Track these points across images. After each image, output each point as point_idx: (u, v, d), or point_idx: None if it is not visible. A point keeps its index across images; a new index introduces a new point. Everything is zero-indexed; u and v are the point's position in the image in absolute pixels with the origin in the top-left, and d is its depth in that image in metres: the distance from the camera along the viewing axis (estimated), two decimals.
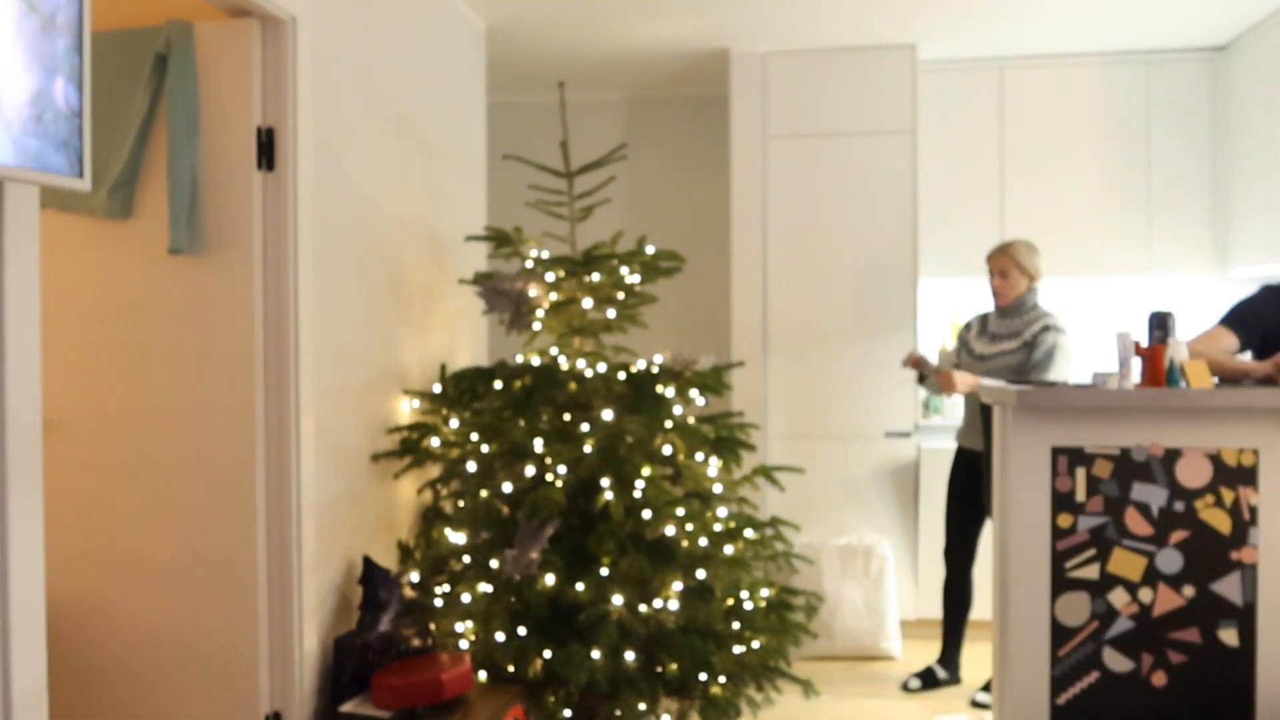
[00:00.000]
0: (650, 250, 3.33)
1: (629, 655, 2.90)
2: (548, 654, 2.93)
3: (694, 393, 3.30)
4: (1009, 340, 3.71)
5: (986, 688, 3.79)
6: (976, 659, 4.18)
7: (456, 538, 3.15)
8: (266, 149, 2.71)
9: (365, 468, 3.19)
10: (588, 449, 3.01)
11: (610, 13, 4.11)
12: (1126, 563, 2.65)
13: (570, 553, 3.01)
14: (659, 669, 3.02)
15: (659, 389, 3.21)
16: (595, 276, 3.30)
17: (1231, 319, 3.17)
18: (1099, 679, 2.67)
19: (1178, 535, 2.64)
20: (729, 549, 3.11)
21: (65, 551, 2.76)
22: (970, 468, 3.83)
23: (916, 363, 3.74)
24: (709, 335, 5.12)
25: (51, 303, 2.68)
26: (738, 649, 3.06)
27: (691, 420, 3.24)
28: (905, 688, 3.83)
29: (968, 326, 3.93)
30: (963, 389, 3.58)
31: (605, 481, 2.99)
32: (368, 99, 3.19)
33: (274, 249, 2.72)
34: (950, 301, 4.93)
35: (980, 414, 3.79)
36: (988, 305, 3.94)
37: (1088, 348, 4.81)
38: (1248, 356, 3.17)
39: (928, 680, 3.87)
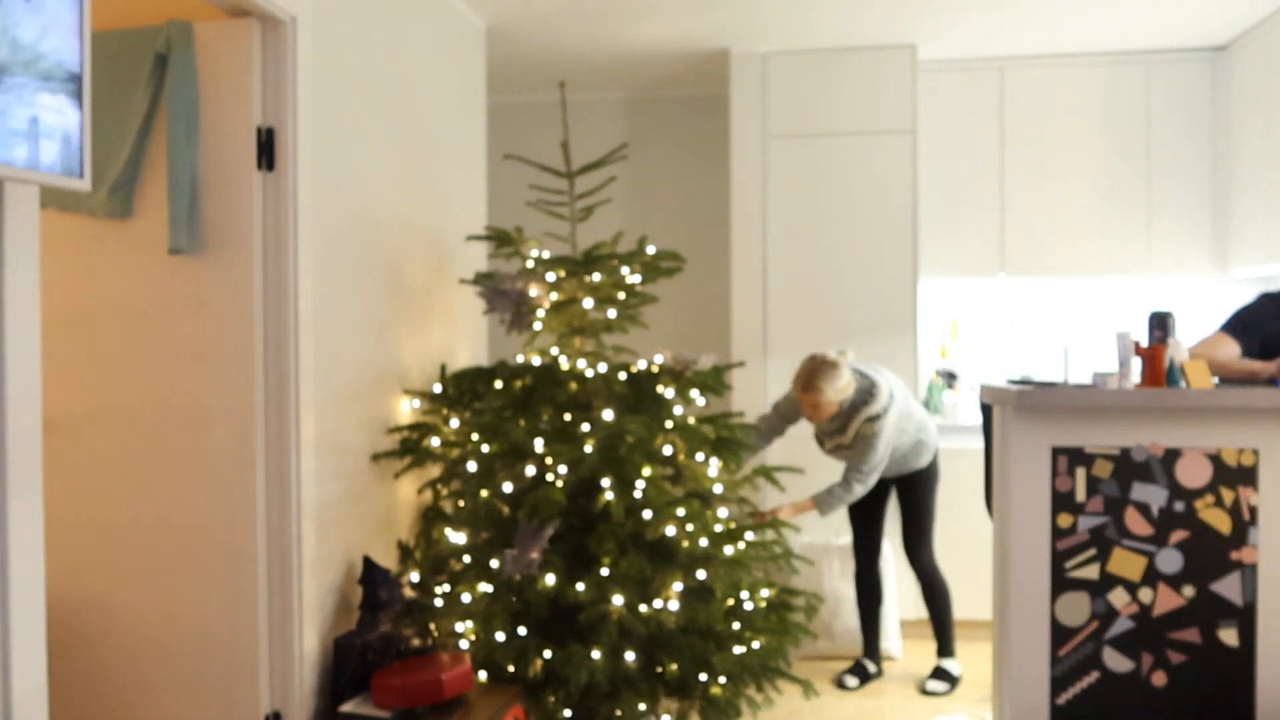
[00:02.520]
0: (650, 250, 3.33)
1: (629, 655, 2.90)
2: (548, 654, 2.93)
3: (694, 393, 3.30)
4: (841, 435, 3.71)
5: (935, 674, 3.88)
6: (976, 659, 4.19)
7: (456, 538, 3.15)
8: (266, 149, 2.71)
9: (365, 468, 3.19)
10: (588, 449, 3.01)
11: (610, 13, 4.11)
12: (1126, 563, 2.66)
13: (570, 553, 3.01)
14: (659, 669, 3.02)
15: (659, 389, 3.21)
16: (596, 276, 3.30)
17: (1233, 325, 3.19)
18: (1099, 679, 2.67)
19: (1178, 535, 2.64)
20: (729, 549, 3.11)
21: (65, 551, 2.76)
22: (875, 487, 3.93)
23: (771, 514, 3.63)
24: (709, 335, 5.12)
25: (51, 303, 2.70)
26: (738, 649, 3.06)
27: (691, 420, 3.24)
28: (843, 686, 3.86)
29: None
30: (798, 514, 3.70)
31: (605, 481, 2.99)
32: (368, 99, 3.19)
33: (274, 249, 2.72)
34: (950, 301, 4.93)
35: (981, 413, 3.81)
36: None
37: (1088, 348, 4.81)
38: None
39: (862, 675, 3.94)
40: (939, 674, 3.89)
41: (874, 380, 3.66)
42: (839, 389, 3.58)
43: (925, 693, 3.83)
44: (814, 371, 3.58)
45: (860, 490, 3.68)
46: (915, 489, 3.86)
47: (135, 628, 2.76)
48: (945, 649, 3.94)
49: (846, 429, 3.68)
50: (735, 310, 4.58)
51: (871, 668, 3.97)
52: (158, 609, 2.75)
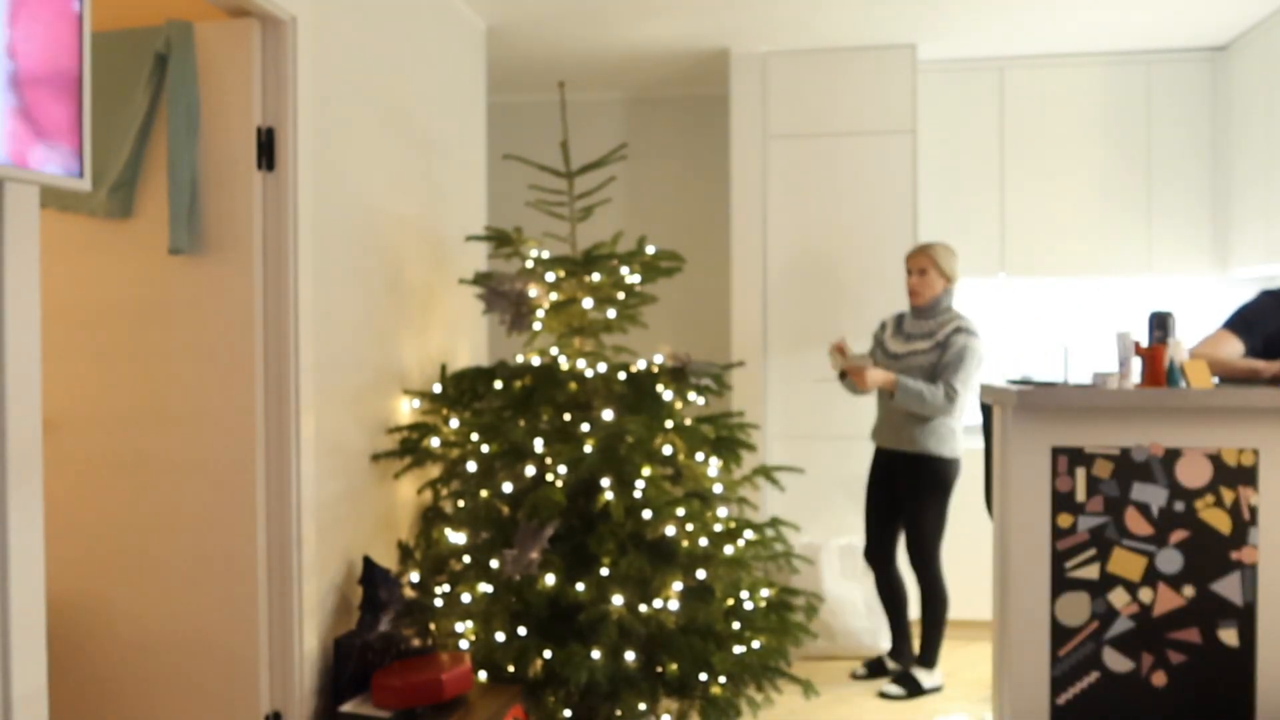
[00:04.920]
0: (650, 250, 3.33)
1: (629, 655, 2.90)
2: (548, 654, 2.92)
3: (693, 394, 3.30)
4: (922, 340, 3.77)
5: (900, 678, 3.82)
6: (977, 659, 4.19)
7: (456, 538, 3.15)
8: (266, 149, 2.71)
9: (365, 468, 3.19)
10: (588, 449, 3.01)
11: (610, 13, 4.11)
12: (1126, 563, 2.66)
13: (570, 553, 3.01)
14: (659, 669, 3.02)
15: (659, 389, 3.21)
16: (595, 276, 3.30)
17: (1235, 323, 3.18)
18: (1099, 679, 2.67)
19: (1178, 535, 2.64)
20: (729, 549, 3.11)
21: (65, 551, 2.76)
22: (885, 467, 3.89)
23: (840, 348, 3.76)
24: (709, 335, 5.12)
25: (51, 303, 2.70)
26: (738, 649, 3.05)
27: (689, 421, 3.24)
28: (886, 696, 3.81)
29: (883, 326, 3.98)
30: (874, 385, 3.68)
31: (605, 481, 2.99)
32: (368, 99, 3.19)
33: (274, 249, 2.72)
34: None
35: (981, 413, 3.81)
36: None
37: (1088, 348, 4.81)
38: None
39: (874, 670, 3.95)
40: (903, 679, 3.80)
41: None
42: (951, 265, 3.76)
43: (881, 695, 3.77)
44: (934, 241, 3.84)
45: (945, 405, 3.61)
46: (924, 486, 3.74)
47: (135, 627, 2.76)
48: (926, 658, 3.86)
49: (934, 333, 3.71)
50: (735, 310, 4.58)
51: (891, 665, 3.95)
52: (158, 609, 2.75)
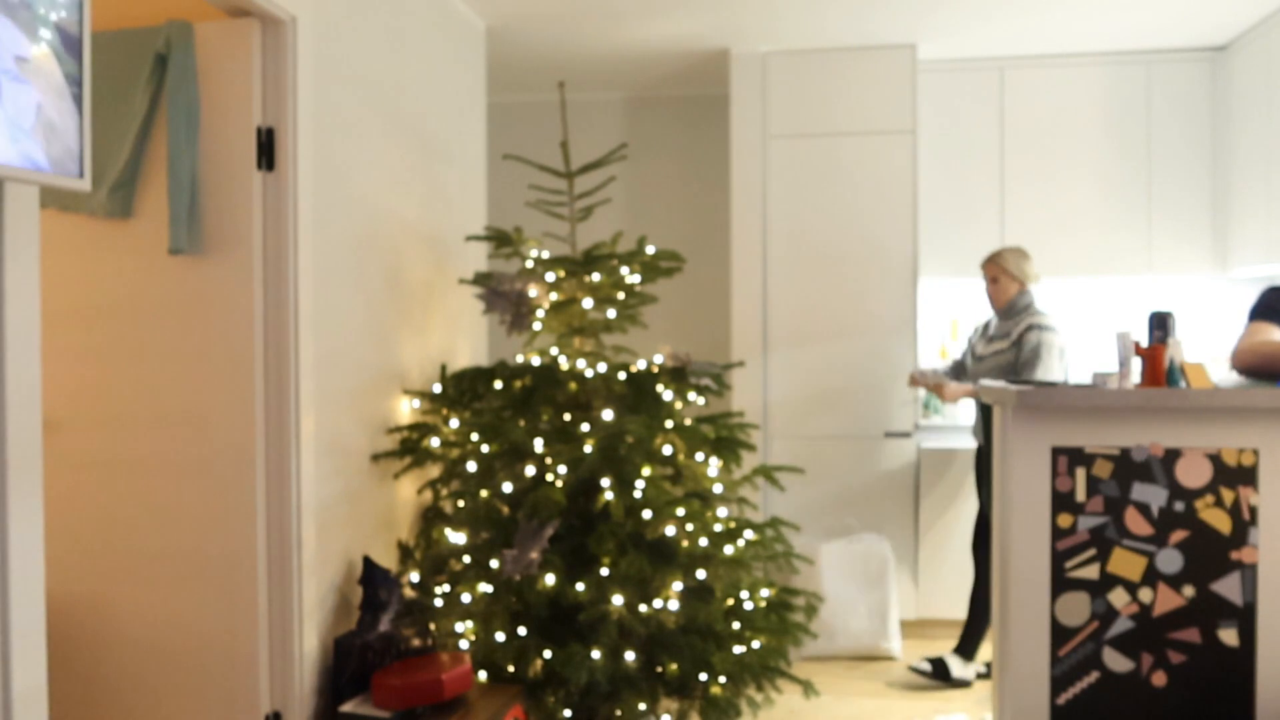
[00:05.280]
0: (650, 250, 3.33)
1: (629, 655, 2.90)
2: (548, 654, 2.93)
3: (693, 394, 3.30)
4: (1002, 340, 3.88)
5: (933, 662, 3.86)
6: (976, 659, 4.19)
7: (456, 538, 3.15)
8: (266, 149, 2.71)
9: (365, 468, 3.19)
10: (588, 449, 3.01)
11: (610, 13, 4.11)
12: (1126, 563, 2.66)
13: (570, 553, 3.01)
14: (659, 669, 3.02)
15: (659, 389, 3.21)
16: (595, 276, 3.30)
17: (1263, 311, 3.09)
18: (1099, 679, 2.67)
19: (1178, 535, 2.64)
20: (729, 549, 3.11)
21: (65, 551, 2.76)
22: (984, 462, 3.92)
23: (916, 381, 4.07)
24: (709, 335, 5.12)
25: (51, 303, 2.70)
26: (738, 649, 3.05)
27: (689, 421, 3.24)
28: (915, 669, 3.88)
29: (975, 330, 4.13)
30: (956, 397, 3.90)
31: (605, 481, 2.99)
32: (368, 99, 3.19)
33: (274, 249, 2.72)
34: (950, 301, 4.93)
35: (980, 413, 3.82)
36: (989, 306, 3.96)
37: (1088, 348, 4.81)
38: None
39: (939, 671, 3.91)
40: (937, 663, 3.84)
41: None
42: (1021, 268, 3.88)
43: (911, 669, 3.85)
44: (1002, 249, 3.97)
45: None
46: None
47: (135, 627, 2.76)
48: (965, 648, 3.88)
49: (1010, 333, 3.81)
50: (735, 310, 4.58)
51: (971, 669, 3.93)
52: (158, 609, 2.75)
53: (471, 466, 3.18)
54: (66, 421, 2.78)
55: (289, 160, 2.71)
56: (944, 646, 4.32)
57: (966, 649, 3.88)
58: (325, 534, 2.92)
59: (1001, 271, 3.91)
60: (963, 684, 3.87)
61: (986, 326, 4.04)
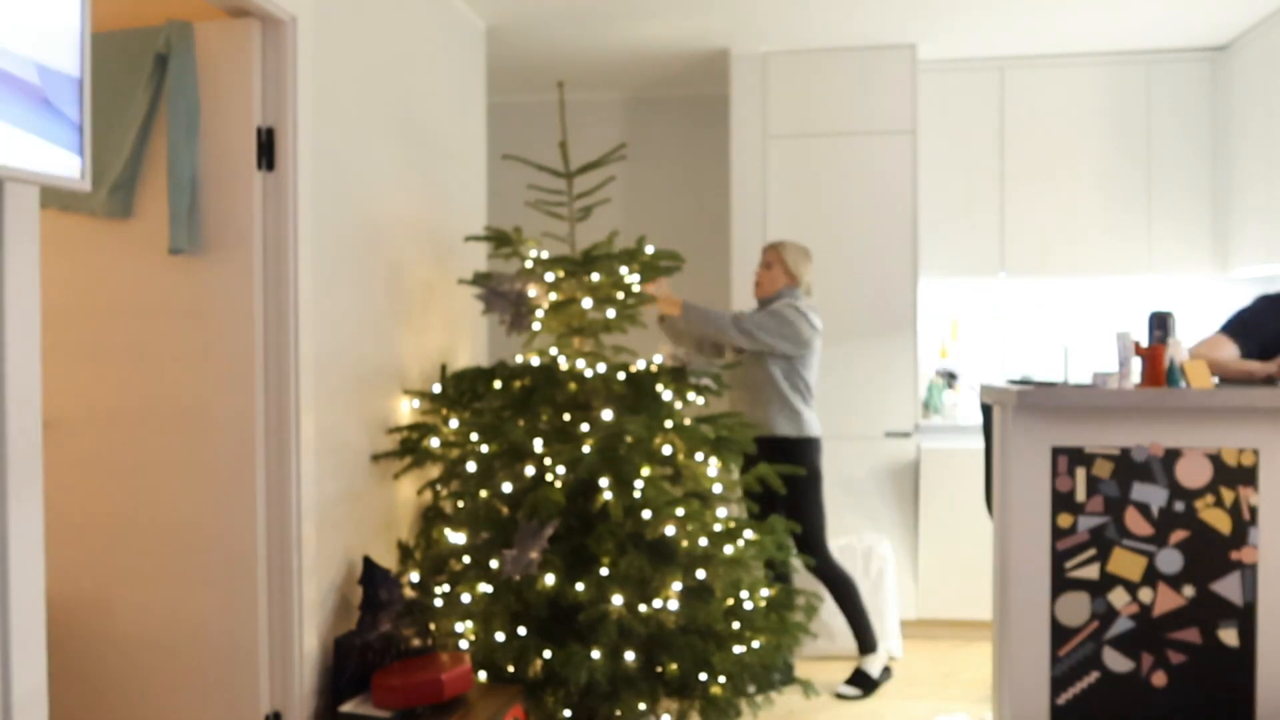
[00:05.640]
0: (650, 250, 3.33)
1: (629, 655, 2.90)
2: (548, 654, 2.92)
3: (692, 394, 3.30)
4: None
5: (851, 677, 3.79)
6: (976, 659, 4.19)
7: (456, 538, 3.15)
8: (266, 149, 2.71)
9: (365, 468, 3.19)
10: (587, 449, 3.01)
11: (610, 13, 4.11)
12: (1126, 563, 2.66)
13: (570, 553, 3.01)
14: (659, 669, 3.02)
15: (658, 389, 3.21)
16: (595, 276, 3.30)
17: (1232, 327, 3.19)
18: (1099, 679, 2.67)
19: (1178, 535, 2.64)
20: (729, 549, 3.11)
21: (65, 551, 2.76)
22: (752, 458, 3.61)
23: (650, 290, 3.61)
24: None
25: (51, 303, 2.69)
26: (738, 649, 3.05)
27: (688, 421, 3.24)
28: (842, 696, 3.77)
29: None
30: (663, 297, 3.66)
31: (605, 481, 2.99)
32: (368, 99, 3.19)
33: (274, 249, 2.72)
34: (950, 301, 4.93)
35: (981, 413, 3.81)
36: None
37: (1088, 348, 4.81)
38: None
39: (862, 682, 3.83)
40: (855, 677, 3.77)
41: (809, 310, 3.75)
42: (798, 265, 3.80)
43: (838, 696, 3.73)
44: (788, 241, 3.88)
45: (730, 331, 3.64)
46: (791, 480, 3.53)
47: (135, 628, 2.76)
48: (863, 644, 3.80)
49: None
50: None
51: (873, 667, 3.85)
52: (158, 609, 2.75)
53: (471, 467, 3.18)
54: (66, 421, 2.77)
55: (289, 160, 2.71)
56: (944, 646, 4.32)
57: (864, 644, 3.81)
58: (325, 534, 2.92)
59: (779, 260, 3.82)
60: (886, 677, 3.82)
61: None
